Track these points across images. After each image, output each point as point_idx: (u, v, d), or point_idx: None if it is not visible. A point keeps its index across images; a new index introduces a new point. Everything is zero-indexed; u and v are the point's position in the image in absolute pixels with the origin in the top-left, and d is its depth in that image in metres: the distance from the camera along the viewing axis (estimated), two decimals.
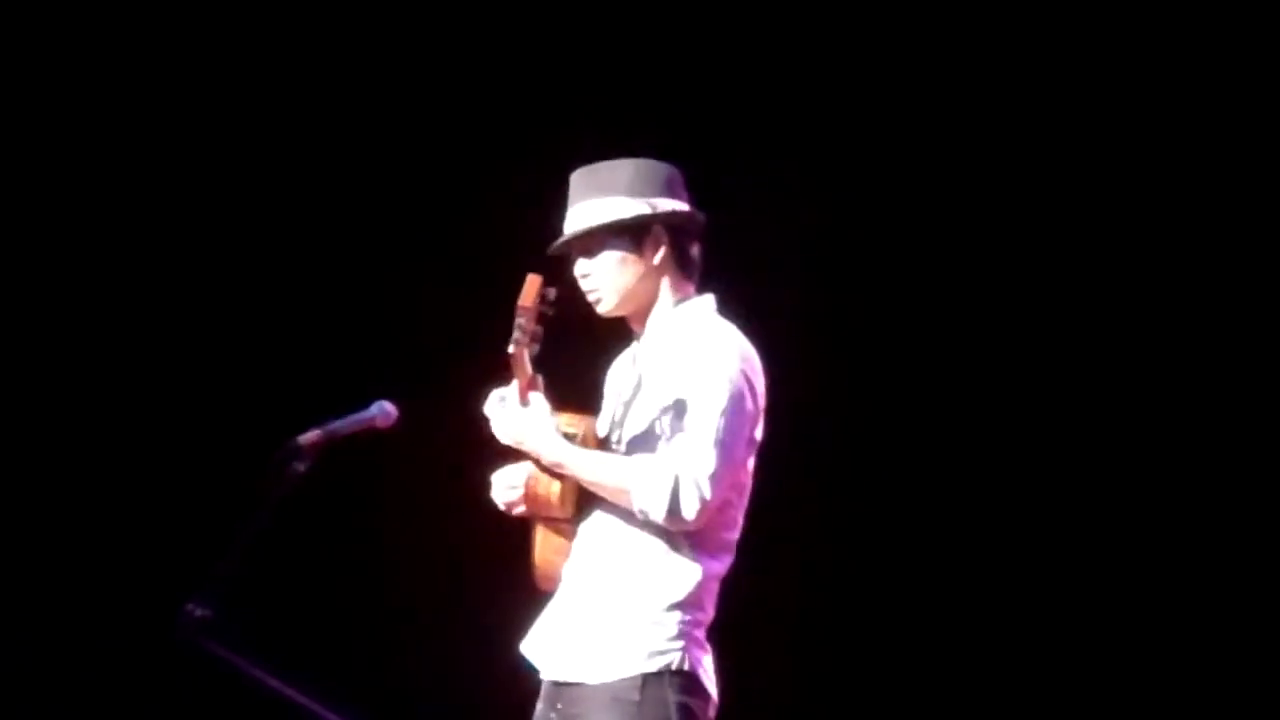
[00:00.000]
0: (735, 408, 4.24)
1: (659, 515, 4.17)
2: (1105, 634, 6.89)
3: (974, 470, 6.98)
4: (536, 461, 4.32)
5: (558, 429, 4.29)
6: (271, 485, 4.21)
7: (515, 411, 4.28)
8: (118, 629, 6.82)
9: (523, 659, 4.42)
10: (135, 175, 7.17)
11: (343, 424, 4.36)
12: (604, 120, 6.71)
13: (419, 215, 7.07)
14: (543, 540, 4.44)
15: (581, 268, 4.39)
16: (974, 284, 6.99)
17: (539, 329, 4.27)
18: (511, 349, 4.25)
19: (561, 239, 4.39)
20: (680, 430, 4.22)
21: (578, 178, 4.41)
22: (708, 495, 4.18)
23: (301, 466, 4.24)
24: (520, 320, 4.25)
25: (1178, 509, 6.83)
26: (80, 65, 7.12)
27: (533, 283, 4.26)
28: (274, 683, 4.19)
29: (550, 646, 4.36)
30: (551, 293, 4.28)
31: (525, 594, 4.52)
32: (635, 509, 4.21)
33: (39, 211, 7.16)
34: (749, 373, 4.31)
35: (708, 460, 4.19)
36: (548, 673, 4.36)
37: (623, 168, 4.39)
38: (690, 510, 4.17)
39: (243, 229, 7.12)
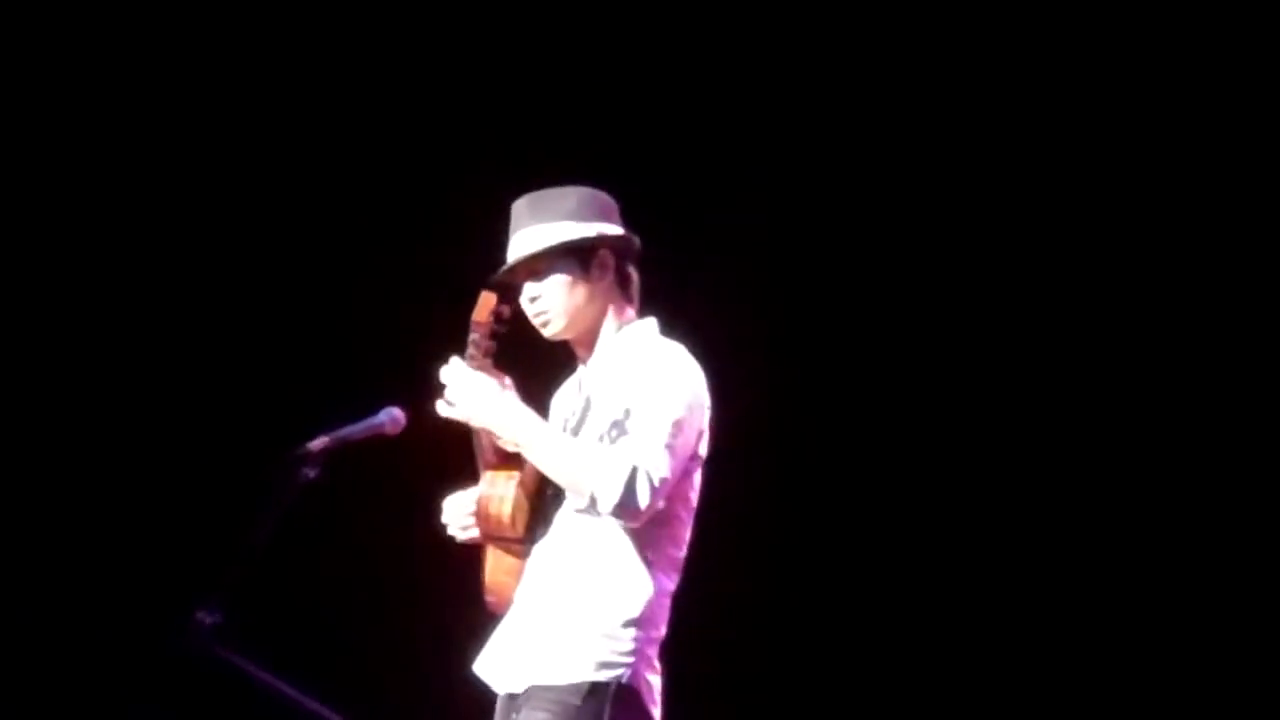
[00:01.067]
0: (685, 419, 4.29)
1: (610, 503, 4.19)
2: (1081, 637, 6.88)
3: (927, 481, 7.00)
4: (491, 454, 4.33)
5: (504, 447, 4.32)
6: (281, 491, 4.21)
7: (478, 379, 4.28)
8: (129, 636, 6.83)
9: (477, 679, 4.43)
10: (152, 182, 7.17)
11: (352, 430, 4.39)
12: (599, 126, 6.74)
13: (428, 223, 7.08)
14: (494, 561, 4.46)
15: (530, 291, 4.42)
16: (921, 294, 7.01)
17: (493, 344, 4.30)
18: (467, 364, 4.27)
19: (510, 263, 4.43)
20: (635, 429, 4.25)
21: (521, 205, 4.46)
22: (659, 489, 4.21)
23: (311, 473, 4.25)
24: (474, 336, 4.28)
25: (1155, 508, 6.83)
26: (74, 70, 7.11)
27: (486, 299, 4.30)
28: (284, 688, 4.20)
29: (505, 661, 4.38)
30: (505, 310, 4.32)
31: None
32: (586, 495, 4.23)
33: (55, 224, 7.16)
34: (696, 389, 4.36)
35: (662, 460, 4.22)
36: (502, 686, 4.39)
37: (567, 194, 4.45)
38: (643, 502, 4.20)
39: (254, 236, 7.13)
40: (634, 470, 4.19)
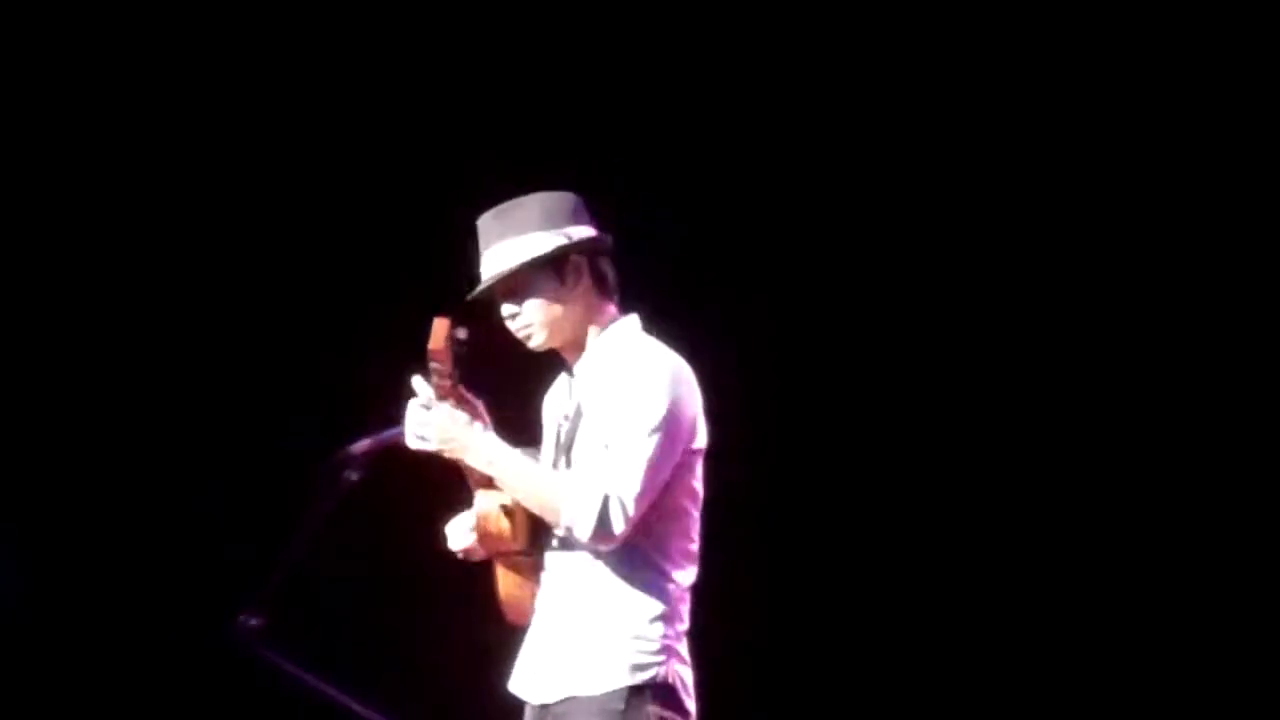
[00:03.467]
0: (664, 427, 4.22)
1: (585, 532, 4.17)
2: (1096, 627, 6.80)
3: (927, 471, 6.84)
4: (480, 473, 4.29)
5: None
6: (325, 494, 4.22)
7: (444, 412, 4.24)
8: (174, 639, 6.86)
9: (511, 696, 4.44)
10: (200, 195, 7.19)
11: (394, 433, 4.35)
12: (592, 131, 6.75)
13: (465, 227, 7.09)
14: (503, 576, 4.43)
15: (508, 309, 4.36)
16: (918, 285, 6.89)
17: (455, 371, 4.24)
18: (434, 394, 4.24)
19: (484, 284, 4.36)
20: (611, 449, 4.21)
21: (486, 221, 4.39)
22: (632, 513, 4.17)
23: (354, 475, 4.26)
24: (434, 365, 4.23)
25: (1161, 506, 6.74)
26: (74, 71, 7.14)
27: (440, 326, 4.23)
28: (327, 689, 4.21)
29: (536, 672, 4.35)
30: (462, 332, 4.25)
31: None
32: (562, 525, 4.21)
33: (99, 232, 7.19)
34: (679, 388, 4.28)
35: (634, 480, 4.18)
36: (536, 697, 4.35)
37: (529, 204, 4.38)
38: (617, 529, 4.17)
39: (300, 240, 7.15)
40: (605, 499, 4.16)
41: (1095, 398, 6.81)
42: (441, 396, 4.25)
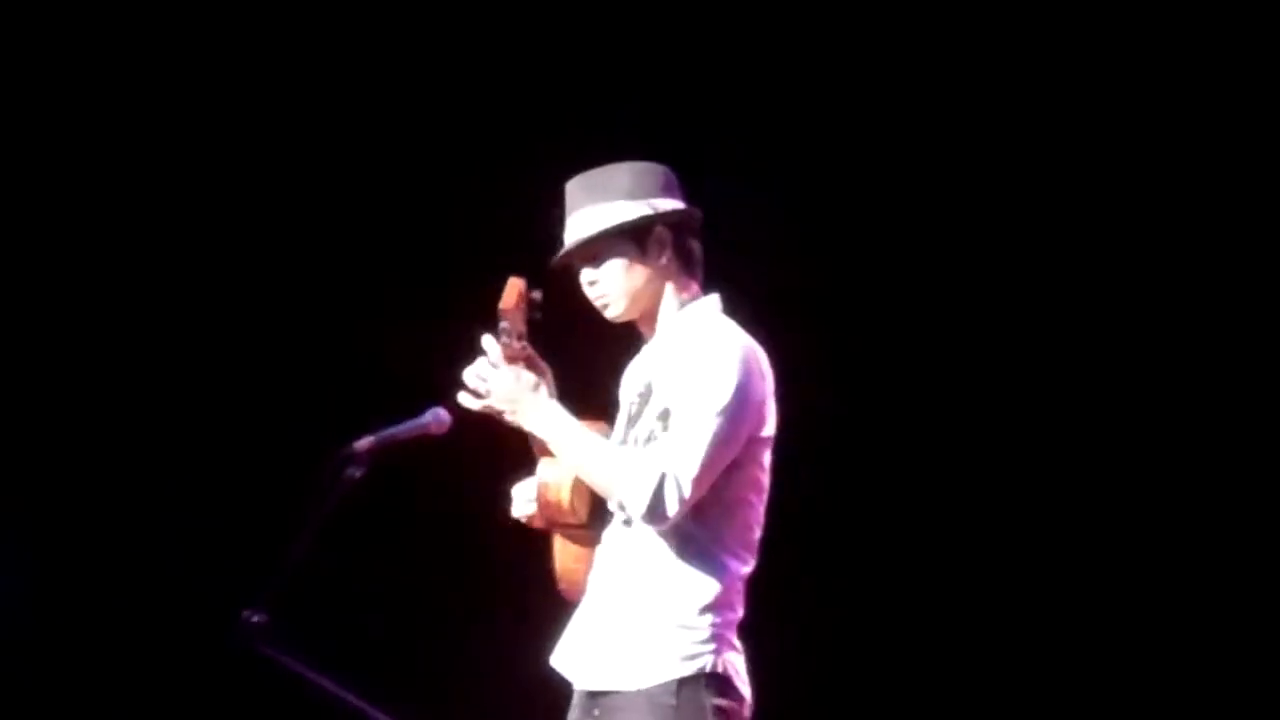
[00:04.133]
0: (729, 411, 4.18)
1: (638, 510, 4.14)
2: (1116, 633, 6.84)
3: (991, 462, 6.86)
4: (534, 443, 4.30)
5: None
6: (327, 491, 4.22)
7: (510, 372, 4.24)
8: (176, 636, 6.86)
9: (553, 672, 4.41)
10: (196, 184, 7.21)
11: (397, 430, 4.36)
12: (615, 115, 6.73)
13: (474, 221, 7.09)
14: (561, 549, 4.42)
15: (588, 275, 4.35)
16: (988, 275, 6.90)
17: (524, 330, 4.26)
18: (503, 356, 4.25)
19: (564, 249, 4.35)
20: (672, 429, 4.19)
21: (574, 185, 4.38)
22: (688, 495, 4.14)
23: (356, 473, 4.26)
24: (503, 324, 4.24)
25: (1202, 518, 6.77)
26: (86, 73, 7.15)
27: (513, 285, 4.26)
28: (331, 687, 4.21)
29: (582, 656, 4.34)
30: (536, 295, 4.27)
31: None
32: (615, 501, 4.19)
33: (108, 225, 7.21)
34: (749, 373, 4.24)
35: (693, 462, 4.14)
36: (581, 683, 4.34)
37: (619, 171, 4.35)
38: (671, 510, 4.13)
39: (302, 235, 7.15)
40: (663, 478, 4.12)
41: (1148, 403, 6.81)
42: (509, 358, 4.23)
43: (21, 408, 7.14)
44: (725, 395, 4.18)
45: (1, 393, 7.12)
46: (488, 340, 4.26)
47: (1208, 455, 6.77)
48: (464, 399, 4.29)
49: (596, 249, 4.33)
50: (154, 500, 7.07)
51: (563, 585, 4.43)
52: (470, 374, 4.27)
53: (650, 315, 4.38)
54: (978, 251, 6.93)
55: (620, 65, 6.95)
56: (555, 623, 4.45)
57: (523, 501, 4.41)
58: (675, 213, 4.35)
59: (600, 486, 4.22)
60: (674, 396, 4.22)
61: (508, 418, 4.28)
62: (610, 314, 4.37)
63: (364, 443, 4.29)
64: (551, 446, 4.27)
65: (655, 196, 4.34)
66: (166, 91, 7.17)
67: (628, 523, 4.26)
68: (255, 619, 4.12)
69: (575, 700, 4.37)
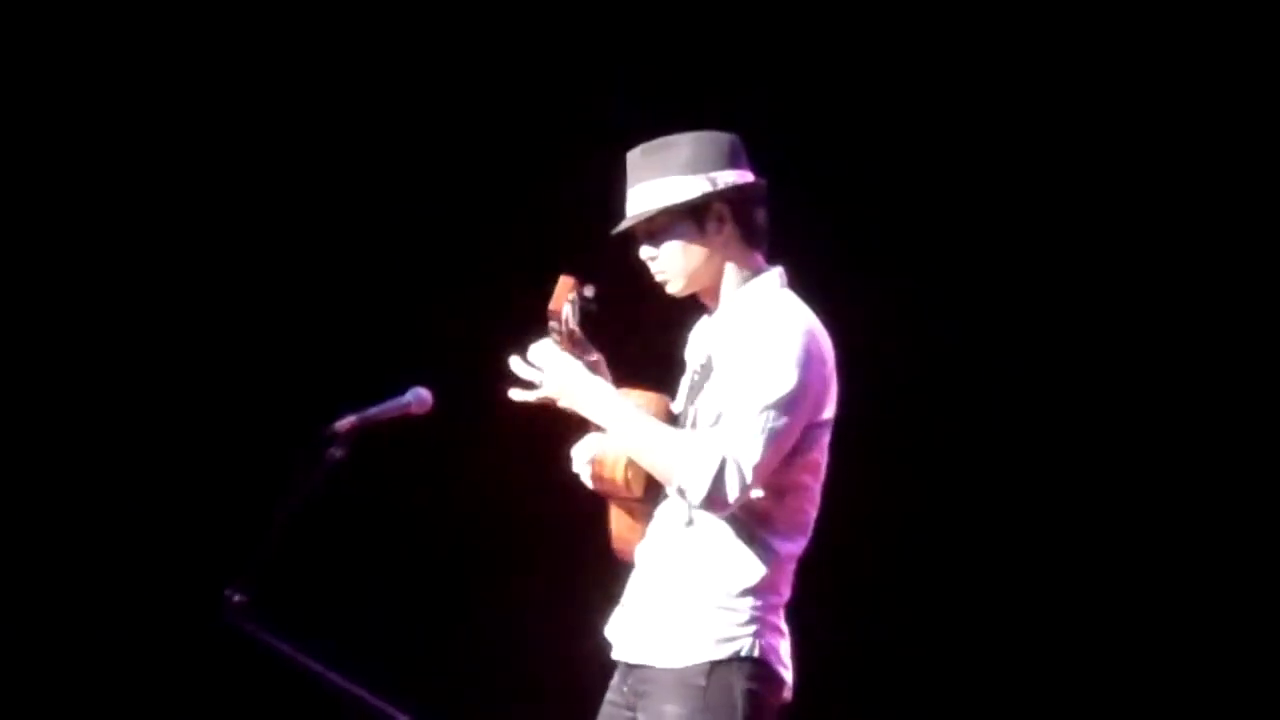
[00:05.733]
0: (792, 395, 4.12)
1: (698, 496, 4.08)
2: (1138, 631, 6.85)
3: (991, 462, 6.83)
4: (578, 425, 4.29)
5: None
6: (308, 471, 4.23)
7: (563, 360, 4.22)
8: (158, 616, 6.87)
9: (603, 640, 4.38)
10: (182, 170, 7.20)
11: (378, 410, 4.35)
12: (641, 109, 6.71)
13: (456, 202, 7.08)
14: (617, 517, 4.38)
15: (647, 251, 4.29)
16: (988, 272, 6.86)
17: (575, 330, 4.25)
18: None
19: (623, 223, 4.29)
20: (733, 413, 4.13)
21: (635, 157, 4.29)
22: (750, 481, 4.08)
23: (338, 452, 4.25)
24: (552, 323, 4.23)
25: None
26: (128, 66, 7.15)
27: (563, 285, 4.25)
28: (314, 666, 4.22)
29: (624, 629, 4.32)
30: (589, 290, 4.26)
31: (580, 576, 4.48)
32: (674, 486, 4.13)
33: (88, 205, 7.20)
34: (811, 357, 4.17)
35: (756, 447, 4.08)
36: (621, 654, 4.32)
37: (680, 144, 4.26)
38: (732, 495, 4.07)
39: (284, 220, 7.14)
40: (723, 462, 4.06)
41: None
42: (560, 349, 4.21)
43: (7, 386, 7.15)
44: (787, 382, 4.12)
45: None
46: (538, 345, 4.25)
47: (1208, 457, 6.76)
48: (515, 394, 4.26)
49: (655, 225, 4.26)
50: (135, 479, 7.07)
51: (617, 548, 4.40)
52: (519, 364, 4.25)
53: (712, 289, 4.31)
54: (977, 249, 6.92)
55: (678, 54, 6.94)
56: (546, 596, 4.45)
57: (580, 462, 4.36)
58: (735, 187, 4.27)
59: (658, 471, 4.16)
60: (734, 378, 4.17)
61: (561, 404, 4.24)
62: (671, 290, 4.31)
63: (345, 422, 4.28)
64: (608, 432, 4.24)
65: (717, 169, 4.26)
66: (208, 86, 7.16)
67: (675, 500, 4.23)
68: (236, 598, 4.13)
69: (617, 670, 4.35)
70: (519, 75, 7.07)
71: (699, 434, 4.17)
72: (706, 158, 4.26)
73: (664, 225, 4.26)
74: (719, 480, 4.07)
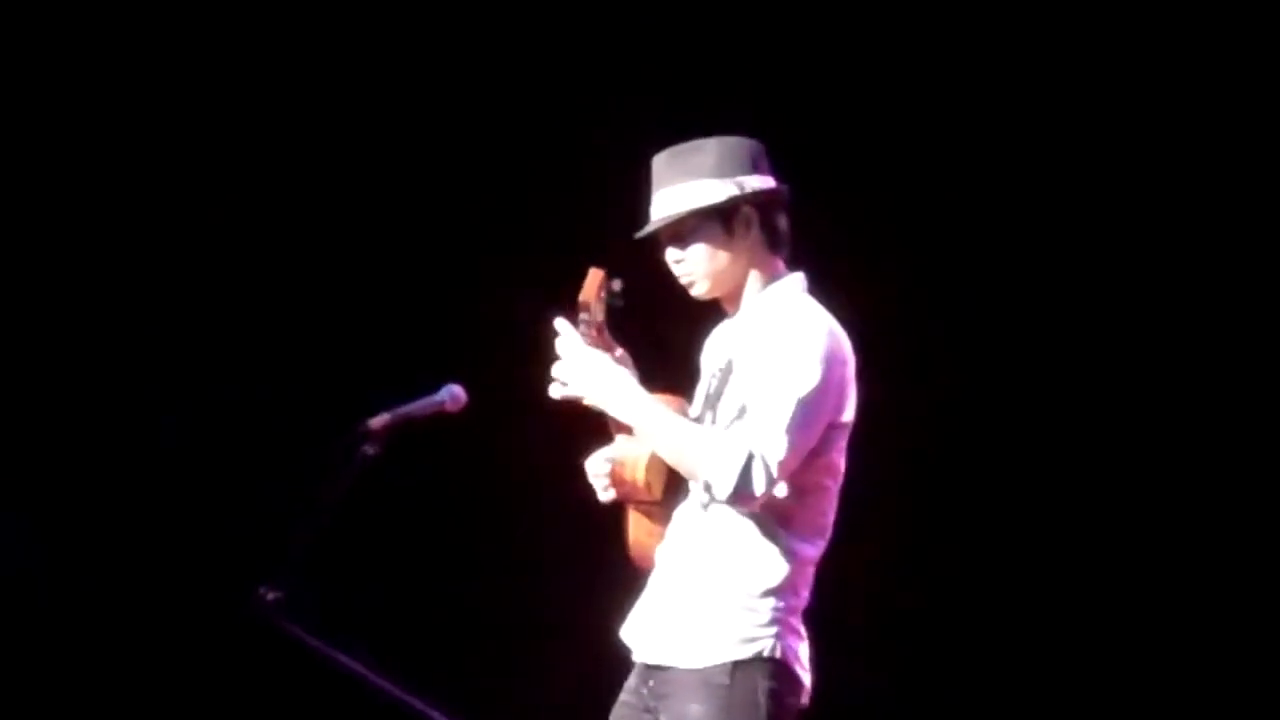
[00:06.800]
0: (815, 395, 4.16)
1: (724, 490, 4.11)
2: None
3: (1059, 457, 6.85)
4: (610, 420, 4.29)
5: None
6: (342, 469, 4.23)
7: (589, 356, 4.23)
8: (192, 612, 6.88)
9: (620, 642, 4.41)
10: (215, 166, 7.22)
11: (412, 408, 4.36)
12: (662, 110, 6.71)
13: (484, 199, 7.09)
14: (635, 522, 4.41)
15: (673, 254, 4.33)
16: (989, 271, 6.90)
17: (602, 321, 4.28)
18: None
19: (650, 226, 4.32)
20: (758, 409, 4.15)
21: (661, 161, 4.33)
22: (776, 475, 4.11)
23: (371, 450, 4.26)
24: (582, 315, 4.25)
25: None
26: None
27: (594, 277, 4.28)
28: (346, 662, 4.22)
29: (644, 629, 4.34)
30: (617, 284, 4.29)
31: (600, 576, 4.49)
32: (700, 481, 4.16)
33: (122, 199, 7.22)
34: (833, 357, 4.21)
35: (780, 442, 4.11)
36: (640, 655, 4.34)
37: (706, 148, 4.30)
38: (758, 490, 4.10)
39: (316, 217, 7.16)
40: (750, 457, 4.09)
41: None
42: (588, 345, 4.23)
43: (39, 380, 7.16)
44: (811, 379, 4.16)
45: (20, 366, 7.14)
46: (565, 326, 4.26)
47: (1207, 458, 6.76)
48: (553, 389, 4.26)
49: (682, 228, 4.30)
50: (171, 477, 7.09)
51: (634, 555, 4.42)
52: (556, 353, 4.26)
53: (734, 293, 4.35)
54: (979, 249, 6.92)
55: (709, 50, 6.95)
56: (582, 595, 4.46)
57: (598, 474, 4.38)
58: (762, 191, 4.31)
59: (685, 467, 4.18)
60: (758, 377, 4.20)
61: (588, 402, 4.25)
62: (695, 292, 4.34)
63: (379, 420, 4.29)
64: (635, 429, 4.25)
65: (743, 174, 4.30)
66: (254, 92, 7.20)
67: (706, 506, 4.25)
68: (271, 595, 4.14)
69: (635, 670, 4.37)
70: (554, 70, 7.07)
71: (724, 430, 4.19)
72: (733, 162, 4.29)
73: (692, 228, 4.29)
74: (746, 475, 4.10)
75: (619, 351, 4.37)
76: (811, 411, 4.15)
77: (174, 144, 7.19)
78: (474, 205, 7.10)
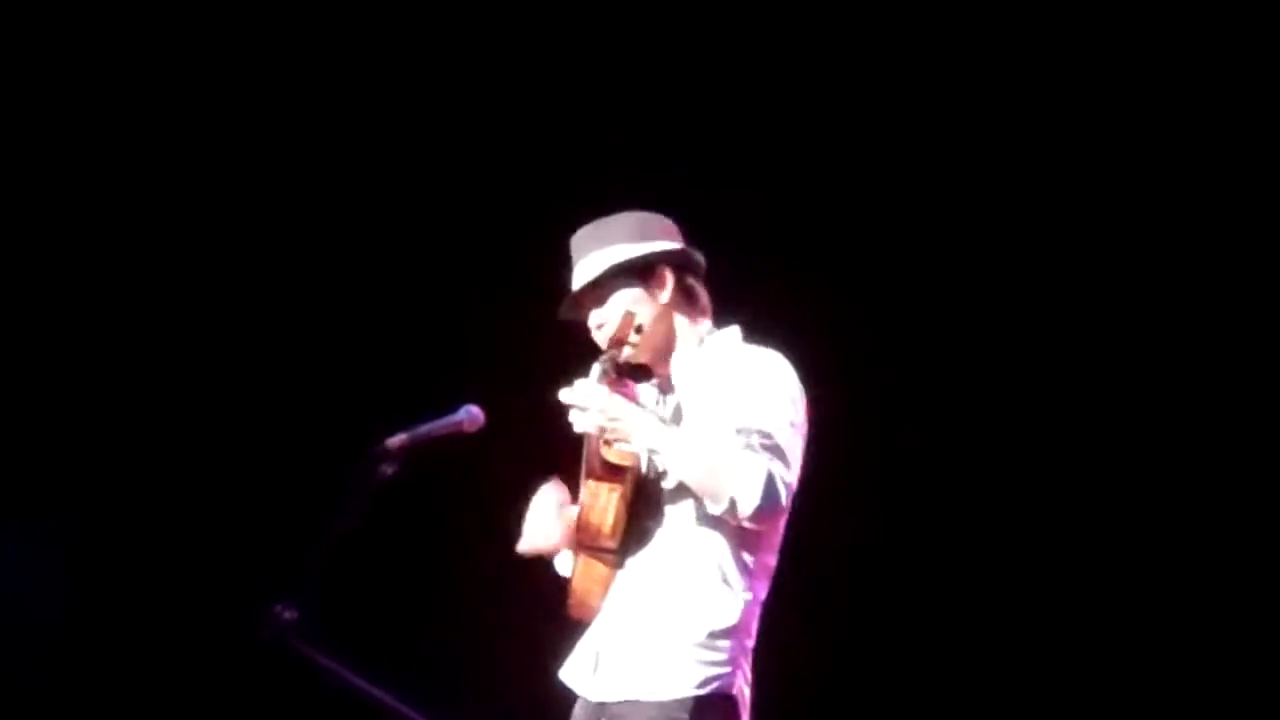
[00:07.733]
0: (796, 424, 4.27)
1: (750, 507, 4.17)
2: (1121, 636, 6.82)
3: (996, 477, 6.87)
4: (598, 466, 4.33)
5: (608, 460, 4.31)
6: (359, 488, 4.23)
7: (603, 392, 4.27)
8: (207, 630, 6.88)
9: (561, 685, 4.44)
10: (235, 186, 7.23)
11: (430, 428, 4.38)
12: (674, 125, 6.73)
13: (501, 219, 7.10)
14: (583, 569, 4.46)
15: (596, 318, 4.41)
16: (986, 288, 6.92)
17: (625, 360, 4.38)
18: (600, 379, 4.31)
19: (573, 291, 4.41)
20: (760, 431, 4.21)
21: (578, 237, 4.45)
22: (790, 494, 4.22)
23: (389, 469, 4.26)
24: (612, 351, 4.34)
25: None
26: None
27: (628, 316, 4.36)
28: (359, 683, 4.22)
29: (595, 668, 4.38)
30: (640, 318, 4.39)
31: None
32: (725, 499, 4.19)
33: (149, 211, 7.23)
34: (798, 395, 4.33)
35: (787, 463, 4.22)
36: (594, 694, 4.38)
37: (621, 219, 4.44)
38: (782, 504, 4.19)
39: (342, 239, 7.17)
40: (770, 475, 4.16)
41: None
42: (606, 384, 4.29)
43: (58, 399, 7.17)
44: (790, 408, 4.27)
45: (39, 383, 7.15)
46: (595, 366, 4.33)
47: (1207, 460, 6.75)
48: (574, 418, 4.30)
49: (603, 290, 4.39)
50: (187, 494, 7.09)
51: (573, 603, 4.48)
52: (568, 395, 4.30)
53: (661, 355, 4.44)
54: (966, 260, 6.92)
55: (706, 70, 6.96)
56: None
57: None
58: (676, 252, 4.41)
59: (709, 486, 4.22)
60: (735, 407, 4.25)
61: (609, 435, 4.29)
62: (624, 357, 4.40)
63: (397, 440, 4.30)
64: (661, 453, 4.28)
65: (656, 240, 4.40)
66: (273, 104, 7.23)
67: (650, 550, 4.29)
68: (286, 614, 4.13)
69: (580, 711, 4.40)
70: (569, 97, 7.08)
71: (739, 449, 4.22)
72: (647, 229, 4.44)
73: (612, 288, 4.39)
74: (770, 491, 4.17)
75: (633, 386, 4.43)
76: (798, 438, 4.27)
77: (198, 163, 7.21)
78: (496, 227, 7.11)
